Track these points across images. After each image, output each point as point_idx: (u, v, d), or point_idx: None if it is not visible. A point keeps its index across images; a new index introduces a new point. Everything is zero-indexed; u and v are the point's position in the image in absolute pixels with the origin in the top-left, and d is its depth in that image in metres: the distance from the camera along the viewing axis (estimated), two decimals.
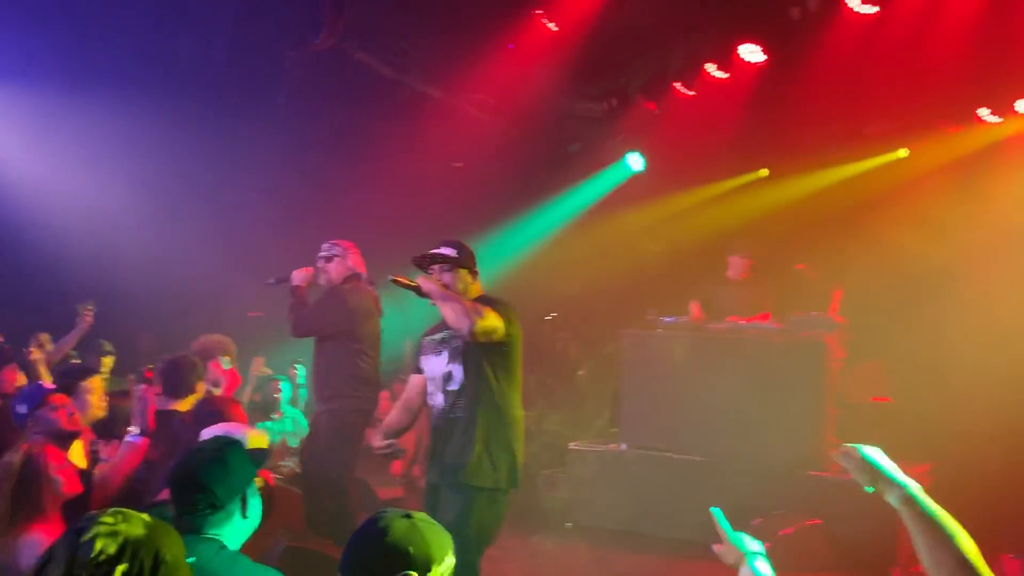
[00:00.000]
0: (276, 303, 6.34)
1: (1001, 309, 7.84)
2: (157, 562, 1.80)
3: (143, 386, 4.18)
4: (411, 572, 2.04)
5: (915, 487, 2.14)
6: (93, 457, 4.65)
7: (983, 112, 8.23)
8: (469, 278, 4.50)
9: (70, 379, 4.66)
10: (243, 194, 8.85)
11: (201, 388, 5.17)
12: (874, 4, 6.56)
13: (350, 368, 5.86)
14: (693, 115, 8.54)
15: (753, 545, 2.40)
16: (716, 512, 2.51)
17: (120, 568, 1.75)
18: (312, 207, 9.36)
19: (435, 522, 2.18)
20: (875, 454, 2.24)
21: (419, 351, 4.67)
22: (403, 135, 9.18)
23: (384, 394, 7.42)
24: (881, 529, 6.69)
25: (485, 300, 4.40)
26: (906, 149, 9.05)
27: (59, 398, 4.24)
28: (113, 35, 7.09)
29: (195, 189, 8.58)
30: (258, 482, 3.25)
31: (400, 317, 7.11)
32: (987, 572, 1.96)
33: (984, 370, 7.73)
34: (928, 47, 7.02)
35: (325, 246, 6.12)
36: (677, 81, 8.07)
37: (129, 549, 1.77)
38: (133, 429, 4.15)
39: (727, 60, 7.50)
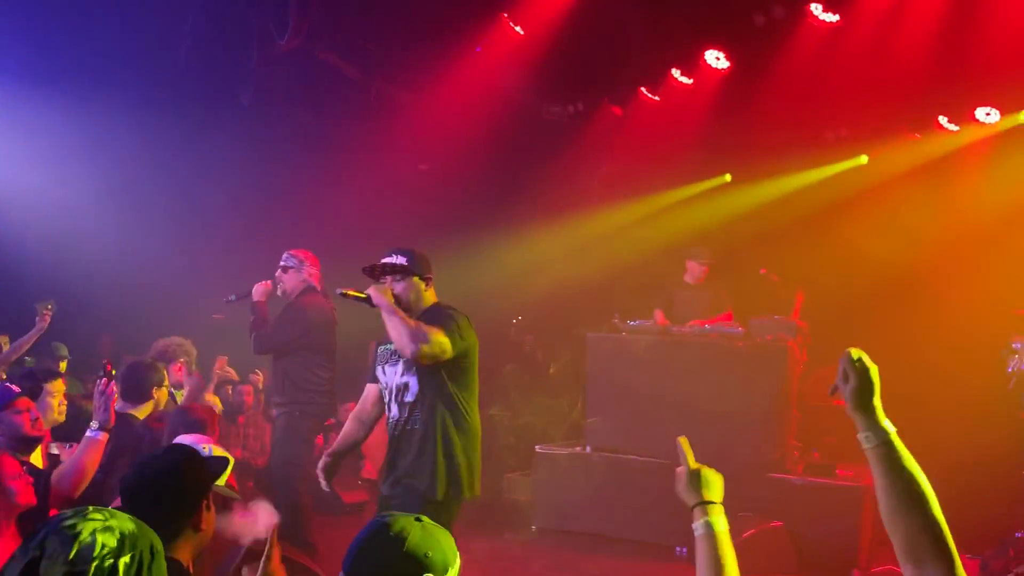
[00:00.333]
0: (238, 306, 6.35)
1: (961, 313, 7.98)
2: (153, 552, 1.84)
3: (104, 379, 4.05)
4: None
5: (895, 431, 1.96)
6: (52, 461, 4.58)
7: (943, 120, 8.37)
8: (422, 286, 4.39)
9: (34, 382, 4.57)
10: (207, 195, 8.76)
11: (158, 395, 5.11)
12: (835, 12, 6.64)
13: (307, 376, 6.17)
14: (658, 120, 8.59)
15: (712, 495, 2.36)
16: (684, 442, 2.50)
17: (123, 560, 1.77)
18: (277, 208, 9.30)
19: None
20: (875, 377, 1.98)
21: (375, 359, 4.61)
22: (369, 136, 9.15)
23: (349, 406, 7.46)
24: (843, 531, 6.79)
25: (436, 311, 4.32)
26: (866, 156, 9.18)
27: (23, 402, 4.16)
28: (76, 34, 7.00)
29: (158, 189, 8.50)
30: (224, 489, 3.21)
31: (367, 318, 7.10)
32: (951, 542, 1.84)
33: (945, 374, 7.86)
34: (889, 55, 7.12)
35: (283, 256, 6.25)
36: (643, 86, 8.12)
37: (128, 542, 1.80)
38: (93, 424, 4.00)
39: (692, 66, 7.56)
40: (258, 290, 6.17)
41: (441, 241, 9.55)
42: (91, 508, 1.84)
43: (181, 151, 8.32)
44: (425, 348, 4.10)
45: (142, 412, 4.97)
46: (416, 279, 4.36)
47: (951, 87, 7.82)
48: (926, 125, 8.52)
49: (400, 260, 4.36)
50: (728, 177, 9.94)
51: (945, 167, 8.67)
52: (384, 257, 4.40)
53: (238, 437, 8.08)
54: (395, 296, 4.30)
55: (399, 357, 4.39)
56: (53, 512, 3.47)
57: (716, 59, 7.37)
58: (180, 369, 6.18)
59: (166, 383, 5.22)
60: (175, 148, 8.25)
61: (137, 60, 7.46)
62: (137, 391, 4.99)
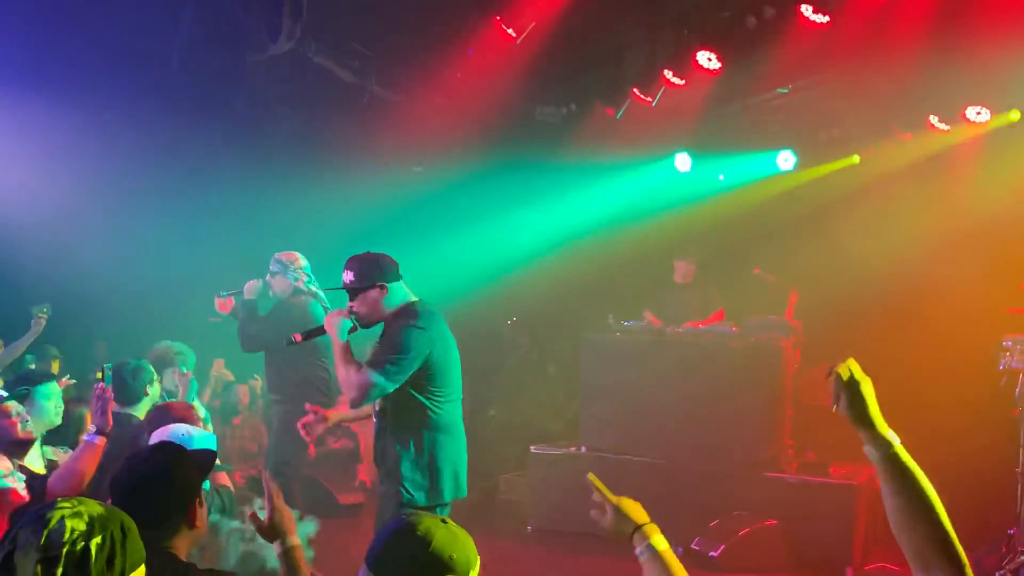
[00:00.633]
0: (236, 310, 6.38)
1: (954, 312, 8.01)
2: (124, 531, 1.87)
3: (101, 384, 4.08)
4: None
5: (898, 443, 1.98)
6: (50, 465, 4.58)
7: (934, 119, 8.40)
8: (376, 294, 4.24)
9: (26, 385, 4.59)
10: (201, 198, 8.76)
11: (153, 392, 5.13)
12: (825, 14, 6.66)
13: (302, 373, 6.24)
14: (651, 120, 8.61)
15: (642, 518, 2.42)
16: (594, 479, 2.57)
17: (95, 541, 1.81)
18: (272, 211, 9.30)
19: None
20: (867, 391, 2.01)
21: None
22: (363, 139, 9.16)
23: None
24: (836, 529, 6.82)
25: (393, 328, 4.20)
26: (857, 156, 9.21)
27: (13, 406, 4.17)
28: (70, 40, 6.99)
29: (152, 194, 8.48)
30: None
31: None
32: (959, 548, 1.88)
33: (936, 373, 7.89)
34: (879, 55, 7.15)
35: (271, 261, 6.34)
36: (635, 87, 8.14)
37: (97, 524, 1.83)
38: (91, 428, 4.04)
39: (684, 67, 7.58)
40: (249, 288, 6.26)
41: (435, 242, 9.60)
42: (60, 499, 1.88)
43: (175, 155, 8.32)
44: (361, 400, 4.13)
45: (141, 411, 4.99)
46: (370, 291, 4.24)
47: (942, 87, 7.86)
48: (917, 124, 8.55)
49: (349, 278, 4.26)
50: (721, 177, 9.98)
51: (937, 166, 8.71)
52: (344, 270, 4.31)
53: (233, 439, 8.09)
54: (358, 315, 4.25)
55: None
56: None
57: (708, 60, 7.39)
58: (176, 374, 6.18)
59: (156, 379, 5.23)
60: (169, 152, 8.24)
61: (130, 65, 7.45)
62: (130, 391, 5.01)
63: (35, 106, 7.00)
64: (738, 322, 7.72)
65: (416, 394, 4.21)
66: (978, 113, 8.11)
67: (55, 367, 7.23)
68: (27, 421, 4.20)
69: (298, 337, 4.41)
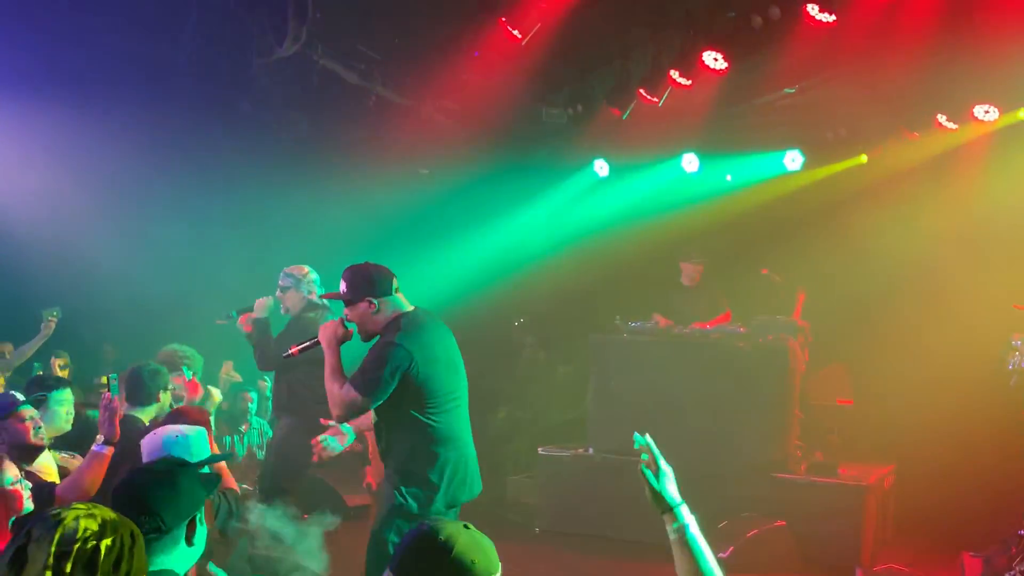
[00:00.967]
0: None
1: (962, 311, 7.99)
2: (133, 537, 1.96)
3: (107, 394, 4.08)
4: None
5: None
6: (61, 472, 4.59)
7: (942, 118, 8.37)
8: (366, 306, 4.12)
9: (41, 390, 4.59)
10: (208, 201, 8.78)
11: (164, 398, 5.12)
12: (831, 13, 6.64)
13: (312, 387, 5.91)
14: (657, 121, 8.60)
15: (677, 496, 2.46)
16: (646, 441, 2.63)
17: (105, 542, 1.89)
18: (278, 214, 9.32)
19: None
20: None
21: None
22: (369, 142, 9.17)
23: None
24: (846, 529, 6.80)
25: (380, 344, 4.10)
26: (865, 155, 9.19)
27: (28, 411, 4.18)
28: (77, 43, 7.02)
29: (160, 195, 8.51)
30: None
31: None
32: None
33: (945, 372, 7.87)
34: (886, 55, 7.13)
35: (281, 276, 6.24)
36: (642, 87, 8.12)
37: (109, 527, 1.92)
38: (99, 438, 4.03)
39: (691, 67, 7.56)
40: (260, 305, 6.19)
41: (442, 244, 9.61)
42: (75, 502, 1.97)
43: (182, 158, 8.34)
44: (343, 416, 4.12)
45: (147, 415, 4.98)
46: (360, 304, 4.15)
47: (950, 85, 7.83)
48: (925, 124, 8.52)
49: (343, 288, 4.20)
50: (728, 177, 9.96)
51: (945, 165, 8.68)
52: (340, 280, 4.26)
53: (241, 444, 8.09)
54: (355, 325, 4.20)
55: None
56: None
57: (714, 60, 7.37)
58: (181, 378, 6.18)
59: (170, 387, 5.23)
60: (176, 155, 8.27)
61: (137, 68, 7.48)
62: (143, 394, 4.99)
63: (44, 111, 7.03)
64: (746, 323, 7.70)
65: (405, 408, 4.11)
66: (986, 112, 8.07)
67: (65, 375, 7.25)
68: (40, 428, 4.20)
69: (294, 350, 4.34)
